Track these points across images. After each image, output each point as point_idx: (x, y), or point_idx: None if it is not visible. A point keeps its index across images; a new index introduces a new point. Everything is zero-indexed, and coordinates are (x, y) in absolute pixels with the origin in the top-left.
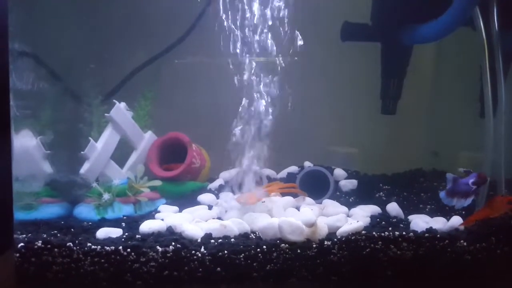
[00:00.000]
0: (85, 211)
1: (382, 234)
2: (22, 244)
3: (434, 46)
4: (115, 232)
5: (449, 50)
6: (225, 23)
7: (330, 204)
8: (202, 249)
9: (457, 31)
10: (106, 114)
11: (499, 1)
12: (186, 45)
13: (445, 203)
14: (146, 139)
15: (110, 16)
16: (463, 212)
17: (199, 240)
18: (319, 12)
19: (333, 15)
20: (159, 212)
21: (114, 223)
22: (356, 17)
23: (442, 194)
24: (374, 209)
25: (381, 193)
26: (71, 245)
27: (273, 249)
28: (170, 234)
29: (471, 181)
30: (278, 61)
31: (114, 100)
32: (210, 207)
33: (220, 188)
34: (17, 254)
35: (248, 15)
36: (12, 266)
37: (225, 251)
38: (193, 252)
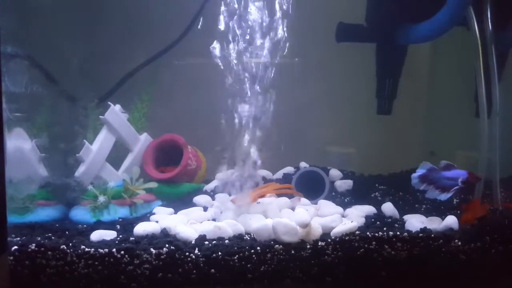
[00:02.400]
0: (81, 214)
1: (376, 234)
2: (16, 247)
3: (430, 46)
4: (109, 235)
5: (445, 49)
6: (222, 24)
7: (325, 205)
8: (196, 251)
9: (452, 31)
10: (100, 117)
11: (492, 1)
12: (182, 47)
13: (413, 184)
14: (142, 141)
15: (106, 17)
16: (458, 212)
17: (193, 242)
18: (315, 12)
19: (329, 15)
20: (154, 214)
21: (110, 225)
22: (351, 18)
23: (415, 176)
24: (369, 209)
25: (377, 193)
26: (65, 247)
27: (267, 250)
28: (164, 236)
29: (460, 178)
30: (274, 62)
31: (109, 102)
32: (205, 209)
33: (216, 190)
34: (11, 257)
35: (245, 15)
36: (6, 269)
37: (219, 253)
38: (187, 254)
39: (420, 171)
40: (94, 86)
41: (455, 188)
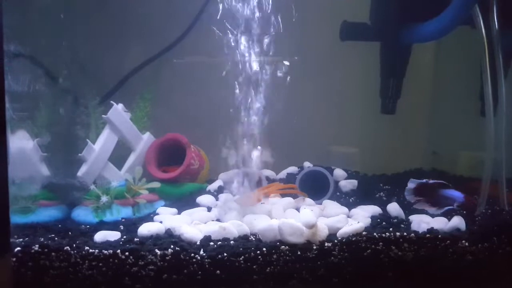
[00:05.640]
0: (83, 214)
1: (383, 235)
2: (19, 248)
3: (434, 45)
4: (113, 235)
5: (449, 48)
6: (224, 22)
7: (330, 205)
8: (201, 252)
9: (457, 30)
10: (103, 116)
11: None
12: (185, 46)
13: (406, 195)
14: (144, 141)
15: (108, 15)
16: (464, 212)
17: (198, 243)
18: (319, 11)
19: (333, 14)
20: (157, 214)
21: (113, 225)
22: (355, 16)
23: (411, 184)
24: (374, 209)
25: (382, 193)
26: (69, 249)
27: (273, 251)
28: (169, 237)
29: (457, 202)
30: (277, 61)
31: (111, 102)
32: (209, 209)
33: (219, 190)
34: (14, 259)
35: (246, 13)
36: (9, 270)
37: (225, 254)
38: (192, 255)
39: (415, 183)
40: (97, 85)
41: (448, 208)
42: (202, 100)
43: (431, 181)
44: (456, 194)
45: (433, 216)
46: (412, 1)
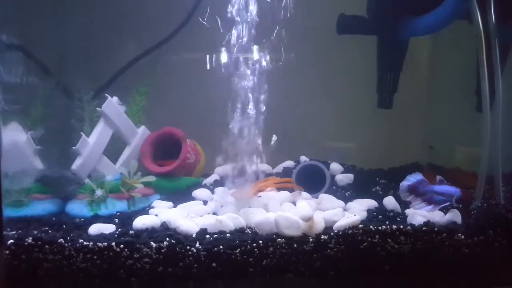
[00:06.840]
0: (78, 208)
1: (379, 228)
2: (12, 241)
3: (431, 39)
4: (108, 228)
5: (446, 43)
6: (220, 18)
7: (327, 199)
8: (197, 245)
9: (453, 24)
10: (98, 109)
11: None
12: (181, 40)
13: (401, 194)
14: (140, 134)
15: (103, 7)
16: (460, 206)
17: (194, 236)
18: (315, 5)
19: (329, 8)
20: (153, 208)
21: (107, 219)
22: (352, 10)
23: (403, 185)
24: (370, 203)
25: (378, 187)
26: (63, 241)
27: (270, 244)
28: (164, 230)
29: (454, 197)
30: (273, 56)
31: (106, 94)
32: (205, 203)
33: (215, 183)
34: (7, 251)
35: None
36: (2, 263)
37: (221, 247)
38: (188, 247)
39: (409, 181)
40: (91, 78)
41: (446, 205)
42: (198, 94)
43: (423, 179)
44: (452, 190)
45: (427, 211)
46: None
